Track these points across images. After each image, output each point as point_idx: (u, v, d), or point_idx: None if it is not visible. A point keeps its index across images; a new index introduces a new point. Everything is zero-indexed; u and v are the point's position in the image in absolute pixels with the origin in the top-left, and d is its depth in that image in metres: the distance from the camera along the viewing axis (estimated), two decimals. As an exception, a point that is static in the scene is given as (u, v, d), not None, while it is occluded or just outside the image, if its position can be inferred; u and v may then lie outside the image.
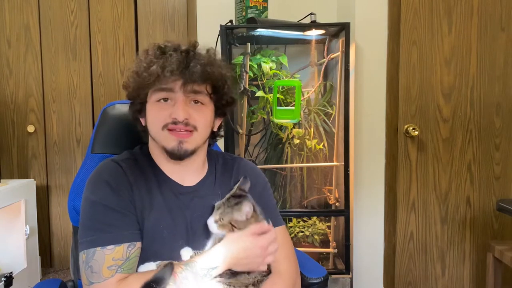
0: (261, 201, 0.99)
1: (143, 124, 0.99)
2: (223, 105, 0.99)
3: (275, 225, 1.01)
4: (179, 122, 0.89)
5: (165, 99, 0.91)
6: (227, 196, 0.95)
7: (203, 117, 0.93)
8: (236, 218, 0.89)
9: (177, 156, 0.92)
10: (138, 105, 0.97)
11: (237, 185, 0.97)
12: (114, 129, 1.18)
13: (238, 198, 0.93)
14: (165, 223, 0.91)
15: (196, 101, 0.93)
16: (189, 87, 0.90)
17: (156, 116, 0.92)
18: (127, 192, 0.90)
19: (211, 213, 0.94)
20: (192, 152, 0.93)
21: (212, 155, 1.06)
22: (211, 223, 0.91)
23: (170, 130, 0.90)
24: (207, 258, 0.84)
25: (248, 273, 0.89)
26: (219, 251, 0.85)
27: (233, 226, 0.89)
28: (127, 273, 0.83)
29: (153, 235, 0.90)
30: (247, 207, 0.89)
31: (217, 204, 0.93)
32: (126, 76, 0.97)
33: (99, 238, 0.84)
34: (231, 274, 0.86)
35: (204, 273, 0.82)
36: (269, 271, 0.94)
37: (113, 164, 0.94)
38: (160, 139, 0.92)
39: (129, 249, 0.85)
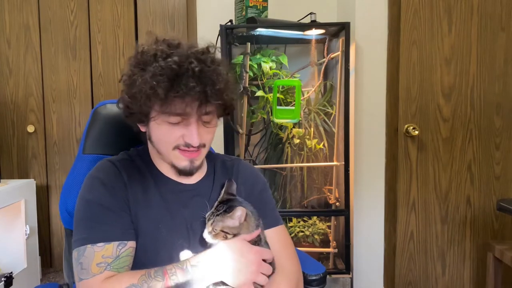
0: (259, 201, 0.99)
1: (143, 130, 0.95)
2: (225, 113, 0.98)
3: (274, 224, 1.00)
4: (192, 146, 0.88)
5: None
6: (215, 204, 0.93)
7: (211, 134, 0.93)
8: (228, 225, 0.87)
9: (188, 173, 0.93)
10: (139, 117, 0.90)
11: (223, 189, 0.96)
12: (106, 130, 1.16)
13: (227, 203, 0.91)
14: (163, 222, 0.91)
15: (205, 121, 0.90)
16: (204, 109, 0.85)
17: (165, 137, 0.88)
18: (122, 191, 0.90)
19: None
20: (200, 166, 0.95)
21: (210, 156, 1.06)
22: (206, 235, 0.89)
23: (180, 150, 0.89)
24: (199, 257, 0.83)
25: None
26: (210, 256, 0.83)
27: (225, 234, 0.86)
28: (116, 271, 0.83)
29: (151, 234, 0.89)
30: (238, 212, 0.87)
31: (207, 215, 0.91)
32: (123, 84, 0.89)
33: (90, 236, 0.84)
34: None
35: (195, 271, 0.80)
36: (272, 272, 0.91)
37: (108, 164, 0.95)
38: (169, 157, 0.91)
39: (119, 248, 0.84)
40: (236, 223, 0.87)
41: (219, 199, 0.94)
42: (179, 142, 0.88)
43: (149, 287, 0.78)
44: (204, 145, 0.91)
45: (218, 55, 0.93)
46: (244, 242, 0.85)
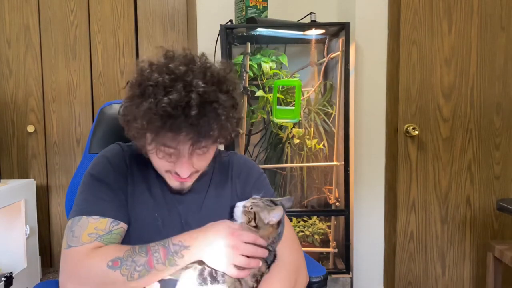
0: (255, 191, 1.00)
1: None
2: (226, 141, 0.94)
3: None
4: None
5: None
6: (267, 198, 0.95)
7: (206, 161, 0.91)
8: (261, 215, 0.89)
9: (178, 192, 0.94)
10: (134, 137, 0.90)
11: (282, 198, 0.97)
12: (112, 129, 1.18)
13: (275, 205, 0.92)
14: (161, 213, 0.93)
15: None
16: (197, 147, 0.83)
17: (158, 162, 0.89)
18: (123, 171, 0.94)
19: (204, 211, 0.95)
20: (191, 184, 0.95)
21: None
22: (240, 205, 0.91)
23: (172, 174, 0.89)
24: (181, 235, 0.84)
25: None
26: (194, 231, 0.85)
27: (253, 218, 0.88)
28: (105, 244, 0.84)
29: (148, 222, 0.91)
30: (276, 214, 0.88)
31: (254, 195, 0.94)
32: (124, 103, 0.88)
33: (87, 207, 0.87)
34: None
35: (176, 249, 0.82)
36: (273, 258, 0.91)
37: (116, 146, 1.00)
38: (161, 174, 0.93)
39: (113, 225, 0.87)
40: (266, 219, 0.88)
41: (274, 199, 0.96)
42: (171, 169, 0.88)
43: (133, 261, 0.80)
44: (197, 171, 0.91)
45: (228, 64, 0.89)
46: (227, 225, 0.86)
